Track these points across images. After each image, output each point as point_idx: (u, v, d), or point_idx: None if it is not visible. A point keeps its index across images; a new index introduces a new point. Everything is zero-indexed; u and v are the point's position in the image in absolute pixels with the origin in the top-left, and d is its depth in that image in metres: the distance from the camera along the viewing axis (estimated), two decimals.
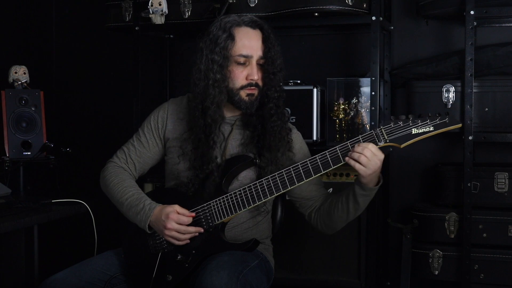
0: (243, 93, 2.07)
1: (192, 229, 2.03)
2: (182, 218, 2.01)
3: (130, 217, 2.11)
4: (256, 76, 2.06)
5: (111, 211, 2.24)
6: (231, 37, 2.04)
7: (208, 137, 2.07)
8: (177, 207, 2.03)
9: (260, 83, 2.08)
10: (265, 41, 2.06)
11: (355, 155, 1.91)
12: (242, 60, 2.05)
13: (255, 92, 2.08)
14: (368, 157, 1.90)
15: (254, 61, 2.06)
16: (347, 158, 1.93)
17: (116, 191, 2.14)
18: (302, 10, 2.72)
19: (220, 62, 2.03)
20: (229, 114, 2.16)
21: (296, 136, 2.21)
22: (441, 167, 2.85)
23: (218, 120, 2.08)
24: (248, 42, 2.05)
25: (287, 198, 2.25)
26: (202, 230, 2.04)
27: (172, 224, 2.00)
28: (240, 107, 2.09)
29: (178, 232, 2.01)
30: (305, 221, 2.20)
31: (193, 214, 2.04)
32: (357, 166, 1.92)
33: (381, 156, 1.92)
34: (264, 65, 2.07)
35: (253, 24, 2.07)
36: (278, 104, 2.09)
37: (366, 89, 2.92)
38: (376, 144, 1.93)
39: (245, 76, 2.06)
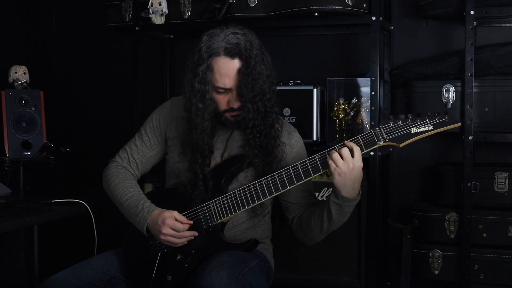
0: (228, 115, 2.07)
1: (188, 233, 2.03)
2: (177, 225, 2.02)
3: (129, 218, 2.11)
4: (236, 104, 2.04)
5: (111, 211, 2.24)
6: (210, 69, 2.00)
7: (195, 153, 2.08)
8: (175, 214, 2.03)
9: (243, 106, 2.05)
10: (241, 71, 2.00)
11: (331, 151, 1.92)
12: (221, 90, 2.04)
13: (240, 113, 2.06)
14: (344, 156, 1.90)
15: (234, 90, 2.03)
16: (325, 151, 1.94)
17: (117, 191, 2.14)
18: (302, 10, 2.72)
19: (201, 92, 2.02)
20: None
21: (297, 140, 2.20)
22: (441, 167, 2.85)
23: (202, 144, 2.07)
24: (225, 75, 2.01)
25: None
26: (197, 233, 2.05)
27: (167, 230, 2.01)
28: (227, 126, 2.10)
29: (173, 237, 2.02)
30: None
31: (191, 222, 2.04)
32: (329, 162, 1.92)
33: (357, 162, 1.91)
34: (242, 95, 2.02)
35: (232, 52, 2.00)
36: (265, 124, 2.07)
37: (366, 89, 2.92)
38: (375, 144, 1.92)
39: (226, 102, 2.05)
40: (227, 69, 2.01)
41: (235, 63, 2.01)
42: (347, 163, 1.90)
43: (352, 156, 1.91)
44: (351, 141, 1.94)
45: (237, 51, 2.00)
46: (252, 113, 2.03)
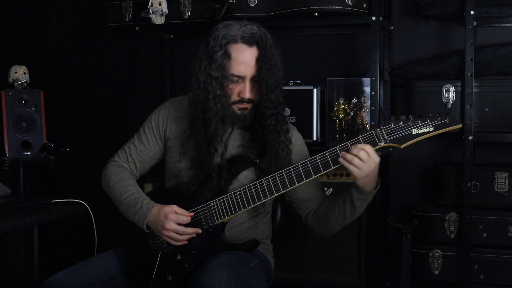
0: (235, 107, 2.07)
1: (190, 230, 2.03)
2: (180, 218, 2.02)
3: (129, 216, 2.11)
4: (248, 94, 2.04)
5: (111, 211, 2.24)
6: (227, 55, 2.01)
7: (209, 145, 2.07)
8: (175, 207, 2.03)
9: (254, 98, 2.06)
10: (260, 59, 2.01)
11: (349, 157, 1.91)
12: (235, 78, 2.03)
13: (248, 106, 2.07)
14: (363, 159, 1.89)
15: (247, 80, 2.03)
16: (340, 159, 1.92)
17: (116, 190, 2.14)
18: (302, 10, 2.72)
19: (218, 79, 2.02)
20: None
21: (297, 138, 2.20)
22: (441, 167, 2.85)
23: (220, 132, 2.07)
24: (242, 62, 2.01)
25: (286, 198, 2.25)
26: (200, 231, 2.04)
27: (170, 225, 2.00)
28: (233, 120, 2.09)
29: (176, 232, 2.02)
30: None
31: (192, 214, 2.05)
32: (351, 168, 1.91)
33: (376, 159, 1.91)
34: (258, 83, 2.03)
35: (250, 40, 2.02)
36: (277, 119, 2.07)
37: (366, 89, 2.92)
38: (376, 144, 1.92)
39: (237, 92, 2.05)
40: (244, 56, 2.01)
41: (253, 51, 2.02)
42: (369, 164, 1.90)
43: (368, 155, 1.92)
44: (352, 142, 1.94)
45: (255, 39, 2.02)
46: (269, 103, 2.04)
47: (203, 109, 2.05)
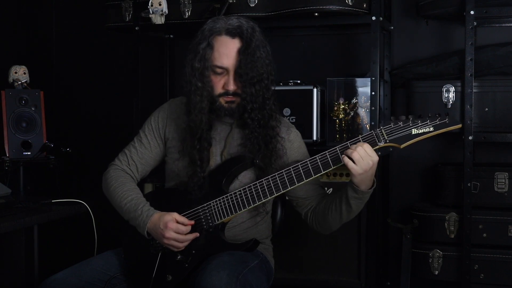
0: (222, 100, 2.07)
1: (190, 236, 2.03)
2: (180, 228, 2.01)
3: (129, 222, 2.11)
4: (232, 86, 2.04)
5: (111, 211, 2.24)
6: (210, 47, 2.03)
7: (193, 137, 2.08)
8: (176, 216, 2.03)
9: (239, 91, 2.05)
10: (242, 51, 2.01)
11: (348, 151, 1.92)
12: (219, 70, 2.04)
13: (235, 99, 2.06)
14: (361, 155, 1.90)
15: (231, 72, 2.03)
16: (342, 156, 1.94)
17: (116, 195, 2.14)
18: (302, 10, 2.72)
19: (200, 70, 2.04)
20: None
21: (295, 135, 2.20)
22: (441, 167, 2.85)
23: (200, 125, 2.07)
24: (224, 53, 2.02)
25: (286, 198, 2.25)
26: (198, 235, 2.05)
27: (170, 234, 2.00)
28: (221, 113, 2.08)
29: (176, 240, 2.02)
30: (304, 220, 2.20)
31: (192, 222, 2.04)
32: (349, 164, 1.91)
33: (375, 157, 1.91)
34: (238, 75, 2.03)
35: (233, 32, 2.02)
36: (263, 113, 2.07)
37: (365, 89, 2.92)
38: (376, 144, 1.93)
39: (222, 85, 2.05)
40: (225, 47, 2.02)
41: (235, 43, 2.02)
42: (367, 162, 1.91)
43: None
44: (352, 142, 1.94)
45: (239, 31, 2.03)
46: (250, 96, 2.03)
47: (188, 102, 2.08)
